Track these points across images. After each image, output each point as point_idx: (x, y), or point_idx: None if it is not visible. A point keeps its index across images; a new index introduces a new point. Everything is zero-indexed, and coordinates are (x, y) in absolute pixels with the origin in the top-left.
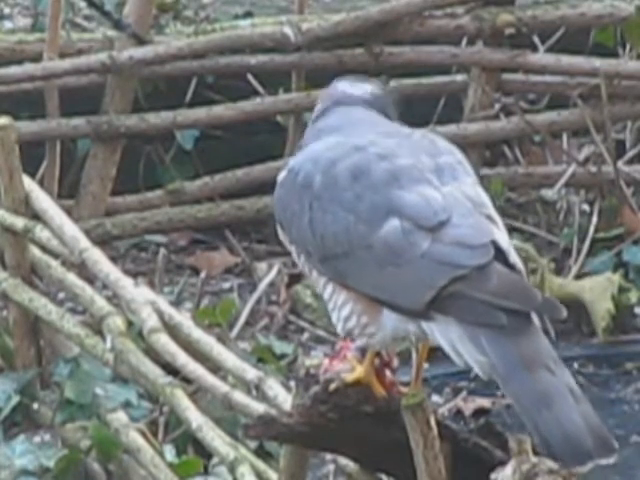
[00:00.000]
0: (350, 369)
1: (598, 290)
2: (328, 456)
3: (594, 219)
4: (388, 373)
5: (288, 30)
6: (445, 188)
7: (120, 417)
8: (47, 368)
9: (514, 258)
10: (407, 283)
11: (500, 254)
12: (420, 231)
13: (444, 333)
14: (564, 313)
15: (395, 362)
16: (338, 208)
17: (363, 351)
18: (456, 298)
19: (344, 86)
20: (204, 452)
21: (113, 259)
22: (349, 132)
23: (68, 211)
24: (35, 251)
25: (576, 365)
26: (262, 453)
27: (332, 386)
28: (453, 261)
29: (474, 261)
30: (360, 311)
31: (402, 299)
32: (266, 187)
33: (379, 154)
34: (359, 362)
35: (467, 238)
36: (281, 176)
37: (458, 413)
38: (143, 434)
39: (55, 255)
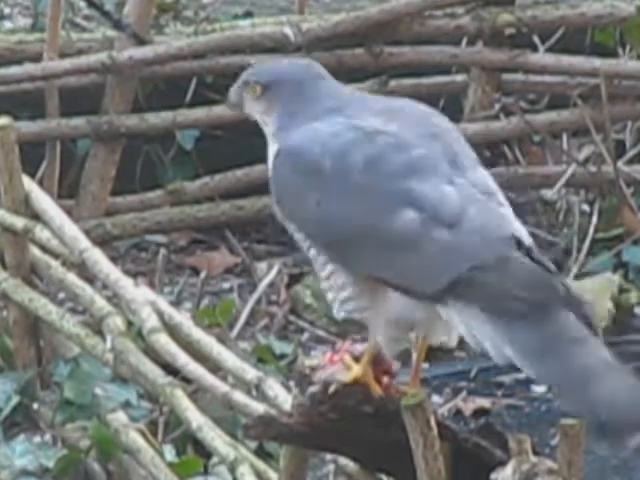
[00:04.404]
0: (346, 369)
1: (598, 290)
2: (328, 456)
3: (594, 219)
4: (386, 379)
5: (288, 30)
6: (459, 180)
7: (120, 417)
8: (47, 368)
9: (537, 251)
10: (423, 268)
11: (522, 248)
12: (437, 223)
13: (461, 316)
14: (588, 308)
15: (395, 366)
16: (351, 196)
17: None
18: (474, 285)
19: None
20: (204, 452)
21: (113, 259)
22: (345, 111)
23: (68, 211)
24: (35, 251)
25: None
26: (262, 453)
27: (331, 388)
28: (473, 251)
29: (493, 252)
30: (361, 294)
31: (416, 282)
32: (266, 187)
33: (392, 145)
34: (356, 362)
35: (487, 230)
36: (275, 154)
37: (458, 413)
38: (143, 434)
39: (55, 255)
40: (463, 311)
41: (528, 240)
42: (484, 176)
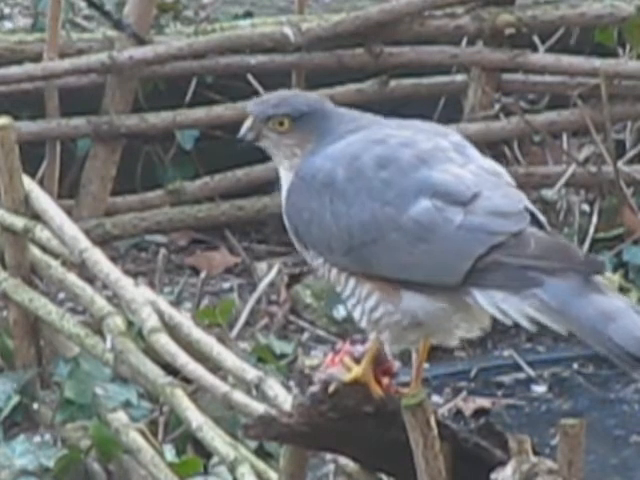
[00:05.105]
0: (346, 370)
1: None
2: (328, 456)
3: (594, 219)
4: (386, 380)
5: (288, 30)
6: (469, 166)
7: (120, 417)
8: (47, 368)
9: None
10: (443, 257)
11: (535, 220)
12: (452, 206)
13: (485, 294)
14: (606, 268)
15: (396, 366)
16: (365, 197)
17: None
18: (494, 268)
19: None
20: (204, 452)
21: (113, 259)
22: (363, 130)
23: (68, 211)
24: (35, 251)
25: (576, 365)
26: (262, 453)
27: (331, 388)
28: (489, 229)
29: (510, 228)
30: (385, 299)
31: (438, 274)
32: (266, 187)
33: (401, 142)
34: (356, 363)
35: (501, 207)
36: (288, 187)
37: (458, 413)
38: (143, 434)
39: (55, 255)
40: (485, 292)
41: (540, 216)
42: (492, 162)
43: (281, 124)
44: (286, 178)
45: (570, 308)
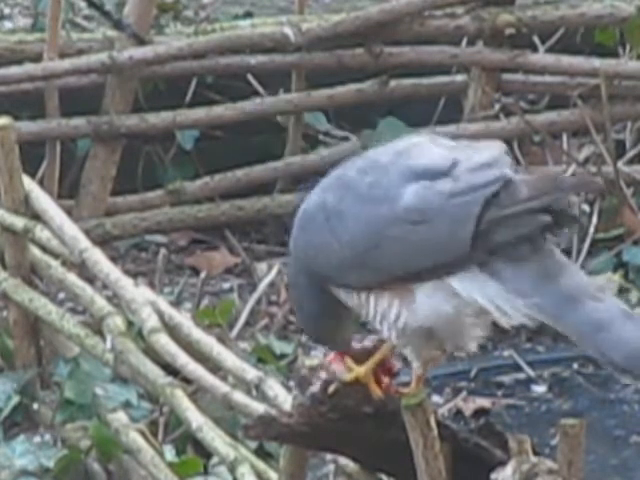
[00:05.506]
0: (347, 369)
1: None
2: (328, 456)
3: (594, 219)
4: (386, 379)
5: (288, 30)
6: (442, 146)
7: (120, 417)
8: (47, 368)
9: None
10: (445, 230)
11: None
12: (437, 180)
13: (484, 294)
14: (601, 185)
15: (397, 366)
16: (357, 205)
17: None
18: (498, 223)
19: None
20: (204, 452)
21: (113, 259)
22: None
23: (68, 211)
24: (35, 251)
25: (576, 365)
26: (262, 453)
27: (331, 388)
28: (479, 183)
29: (498, 175)
30: (403, 304)
31: (446, 250)
32: (266, 187)
33: (380, 148)
34: (357, 364)
35: (481, 161)
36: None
37: (458, 413)
38: (143, 434)
39: (55, 255)
40: (481, 285)
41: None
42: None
43: None
44: None
45: (564, 313)
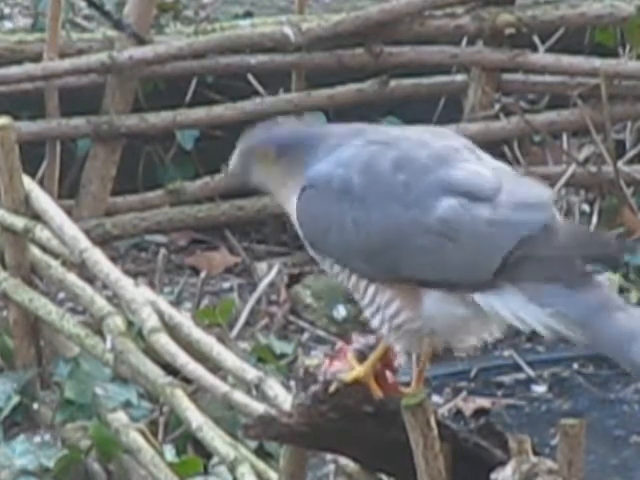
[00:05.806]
0: (349, 369)
1: None
2: (328, 456)
3: (594, 219)
4: (389, 374)
5: (288, 30)
6: (484, 163)
7: (120, 417)
8: (47, 368)
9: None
10: (472, 254)
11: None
12: (478, 202)
13: (504, 303)
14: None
15: (397, 362)
16: (386, 201)
17: (361, 353)
18: (524, 262)
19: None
20: (204, 452)
21: (113, 259)
22: (361, 135)
23: (68, 211)
24: (35, 251)
25: (576, 365)
26: (262, 453)
27: (332, 387)
28: (519, 221)
29: (538, 219)
30: (407, 305)
31: (468, 272)
32: None
33: (413, 143)
34: (359, 362)
35: (526, 199)
36: (297, 195)
37: (458, 413)
38: (143, 434)
39: (55, 255)
40: (501, 296)
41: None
42: (500, 162)
43: (265, 156)
44: (290, 201)
45: (591, 323)
